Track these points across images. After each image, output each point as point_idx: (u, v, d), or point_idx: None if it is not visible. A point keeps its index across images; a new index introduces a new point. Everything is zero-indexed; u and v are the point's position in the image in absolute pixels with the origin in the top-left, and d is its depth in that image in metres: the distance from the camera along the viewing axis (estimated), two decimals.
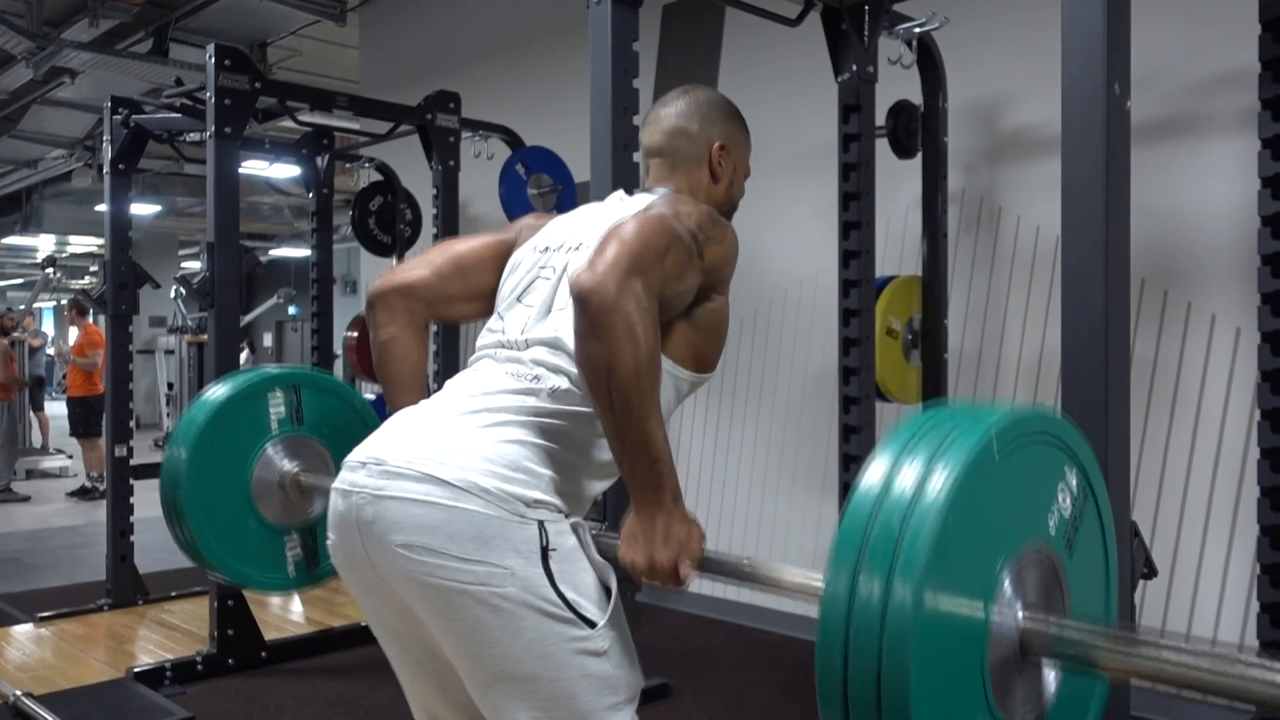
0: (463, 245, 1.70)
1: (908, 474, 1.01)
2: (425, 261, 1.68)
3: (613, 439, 1.30)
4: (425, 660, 1.47)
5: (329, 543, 1.45)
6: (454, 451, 1.34)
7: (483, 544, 1.29)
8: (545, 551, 1.32)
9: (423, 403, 1.50)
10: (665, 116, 1.66)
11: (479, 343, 1.57)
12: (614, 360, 1.23)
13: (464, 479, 1.31)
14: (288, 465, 2.12)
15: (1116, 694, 1.67)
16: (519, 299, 1.56)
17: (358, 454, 1.42)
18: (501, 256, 1.65)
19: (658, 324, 1.29)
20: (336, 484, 1.42)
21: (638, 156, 1.92)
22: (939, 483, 0.99)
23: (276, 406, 2.10)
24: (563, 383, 1.41)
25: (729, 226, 1.51)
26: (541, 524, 1.33)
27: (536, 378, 1.43)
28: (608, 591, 1.38)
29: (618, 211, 1.54)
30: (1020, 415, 1.10)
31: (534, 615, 1.31)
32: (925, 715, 0.97)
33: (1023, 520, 1.11)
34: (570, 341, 1.38)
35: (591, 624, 1.34)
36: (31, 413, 10.30)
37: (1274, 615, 2.40)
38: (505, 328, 1.54)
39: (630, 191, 1.67)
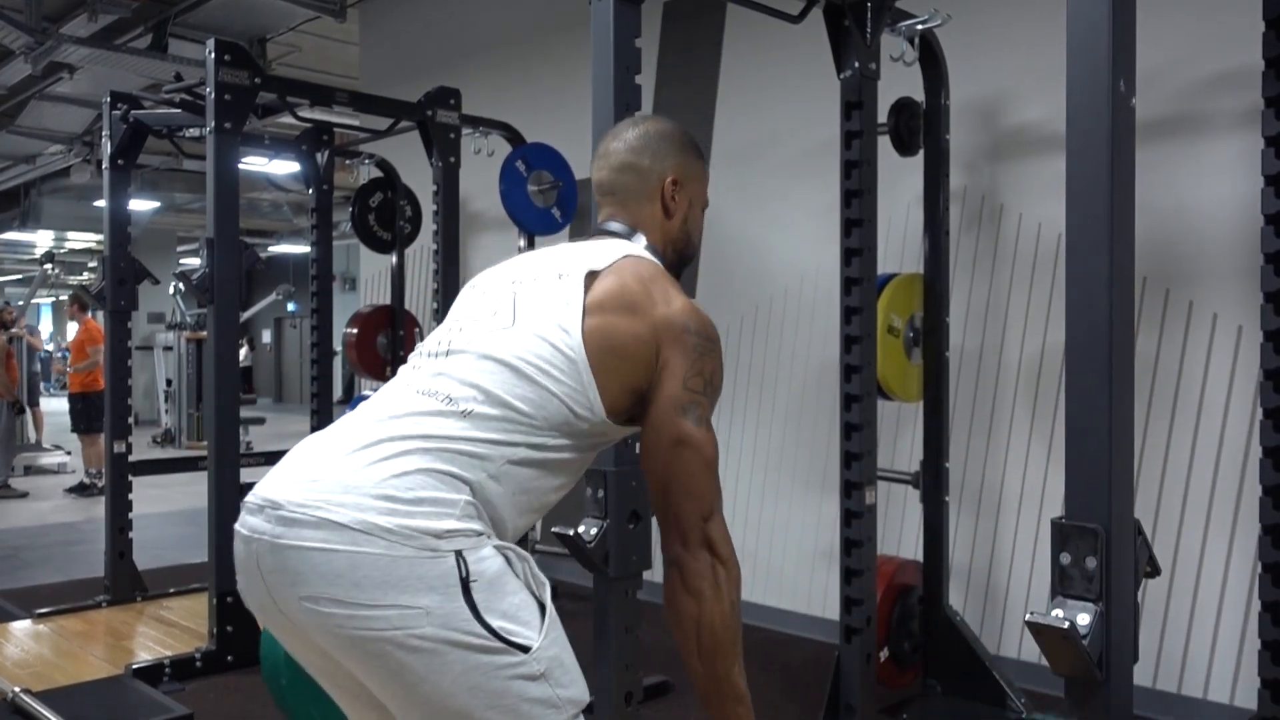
0: None
1: None
2: None
3: (699, 685, 1.40)
4: (361, 692, 1.41)
5: (238, 585, 1.37)
6: (350, 491, 1.27)
7: (391, 587, 1.23)
8: (466, 583, 1.26)
9: (330, 428, 1.42)
10: (614, 151, 1.61)
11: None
12: (703, 614, 1.37)
13: (361, 520, 1.24)
14: None
15: (1119, 693, 1.66)
16: (443, 320, 1.54)
17: (256, 494, 1.34)
18: None
19: (738, 572, 1.42)
20: (238, 525, 1.34)
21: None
22: None
23: None
24: (478, 406, 1.35)
25: (718, 341, 1.47)
26: (459, 554, 1.26)
27: (450, 398, 1.36)
28: (543, 608, 1.33)
29: (572, 260, 1.49)
30: None
31: (458, 650, 1.25)
32: None
33: None
34: (501, 354, 1.38)
35: (525, 649, 1.28)
36: (27, 408, 10.28)
37: (1275, 614, 2.40)
38: (428, 341, 1.51)
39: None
